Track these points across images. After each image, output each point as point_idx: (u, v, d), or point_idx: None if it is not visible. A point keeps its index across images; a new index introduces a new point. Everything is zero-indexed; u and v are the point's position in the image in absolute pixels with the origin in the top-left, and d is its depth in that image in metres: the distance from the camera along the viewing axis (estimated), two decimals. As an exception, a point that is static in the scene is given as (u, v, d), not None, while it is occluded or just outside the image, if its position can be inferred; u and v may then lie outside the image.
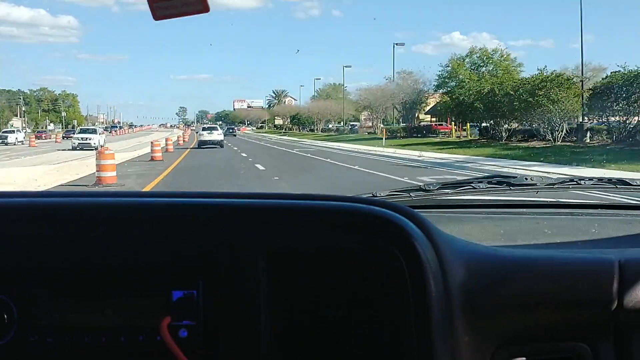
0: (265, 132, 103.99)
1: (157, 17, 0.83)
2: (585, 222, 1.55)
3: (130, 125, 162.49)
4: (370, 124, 63.69)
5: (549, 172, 13.98)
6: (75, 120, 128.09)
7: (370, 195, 1.49)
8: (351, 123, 75.40)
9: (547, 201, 1.74)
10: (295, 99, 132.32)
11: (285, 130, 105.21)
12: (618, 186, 1.57)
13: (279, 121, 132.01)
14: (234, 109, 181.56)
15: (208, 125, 42.86)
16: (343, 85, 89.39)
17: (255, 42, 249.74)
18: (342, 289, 0.85)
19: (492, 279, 0.90)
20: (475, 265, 0.91)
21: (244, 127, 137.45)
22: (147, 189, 12.78)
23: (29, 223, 0.86)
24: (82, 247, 0.85)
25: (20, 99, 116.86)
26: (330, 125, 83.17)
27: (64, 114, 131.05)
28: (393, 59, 63.70)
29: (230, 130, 72.90)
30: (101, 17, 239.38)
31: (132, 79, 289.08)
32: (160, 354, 0.81)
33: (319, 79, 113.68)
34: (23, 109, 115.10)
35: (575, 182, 1.58)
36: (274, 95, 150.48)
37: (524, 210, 1.64)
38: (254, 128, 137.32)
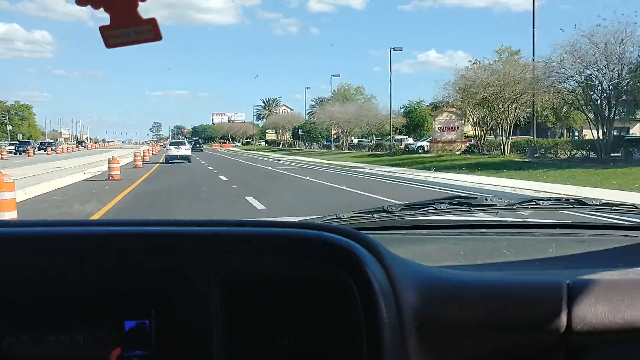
0: (256, 150, 79.71)
1: (109, 45, 0.83)
2: (543, 242, 1.58)
3: (94, 141, 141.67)
4: (457, 138, 38.55)
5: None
6: (30, 135, 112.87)
7: (334, 217, 1.50)
8: (398, 137, 51.66)
9: (507, 221, 1.76)
10: (291, 108, 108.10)
11: (283, 145, 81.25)
12: (575, 206, 1.63)
13: (271, 135, 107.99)
14: (213, 123, 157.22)
15: (175, 141, 43.84)
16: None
17: (233, 58, 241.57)
18: (295, 316, 0.84)
19: (443, 303, 0.90)
20: (428, 289, 0.90)
21: (226, 143, 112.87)
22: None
23: None
24: (29, 278, 0.83)
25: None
26: (354, 140, 59.16)
27: (9, 127, 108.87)
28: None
29: (197, 146, 74.74)
30: (76, 32, 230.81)
31: (107, 95, 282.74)
32: None
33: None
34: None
35: (534, 203, 1.63)
36: (263, 104, 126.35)
37: (485, 230, 1.67)
38: (238, 144, 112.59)
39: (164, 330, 0.82)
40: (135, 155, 31.42)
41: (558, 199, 1.70)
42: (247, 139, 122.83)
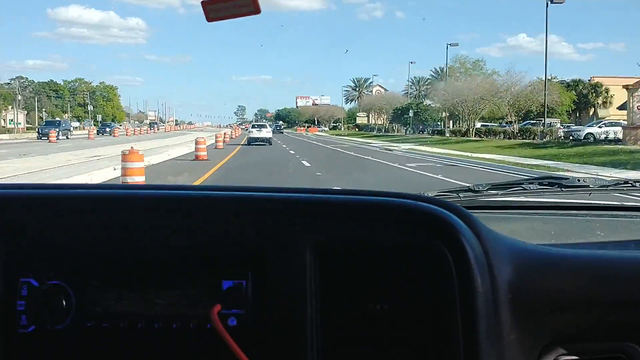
0: (348, 135, 69.38)
1: (210, 18, 0.85)
2: (639, 224, 1.52)
3: (176, 123, 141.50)
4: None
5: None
6: (114, 116, 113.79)
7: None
8: (553, 121, 39.50)
9: (600, 203, 1.66)
10: (386, 89, 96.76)
11: (379, 130, 70.54)
12: None
13: (362, 119, 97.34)
14: (297, 106, 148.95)
15: (258, 123, 44.60)
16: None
17: (318, 43, 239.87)
18: (388, 283, 0.85)
19: (540, 277, 0.89)
20: (523, 263, 0.89)
21: (313, 127, 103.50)
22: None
23: (86, 213, 0.89)
24: (136, 238, 0.87)
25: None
26: (478, 125, 47.35)
27: (90, 107, 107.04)
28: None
29: (278, 128, 77.16)
30: (168, 19, 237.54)
31: (195, 79, 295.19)
32: (210, 341, 0.83)
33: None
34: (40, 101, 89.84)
35: (630, 185, 1.54)
36: (353, 85, 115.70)
37: (576, 212, 1.60)
38: (325, 128, 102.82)
39: (260, 292, 0.84)
40: (216, 137, 30.72)
41: None
42: (334, 122, 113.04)
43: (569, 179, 1.55)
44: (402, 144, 38.20)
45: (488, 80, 44.76)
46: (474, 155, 24.66)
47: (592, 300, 0.89)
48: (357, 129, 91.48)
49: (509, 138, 38.10)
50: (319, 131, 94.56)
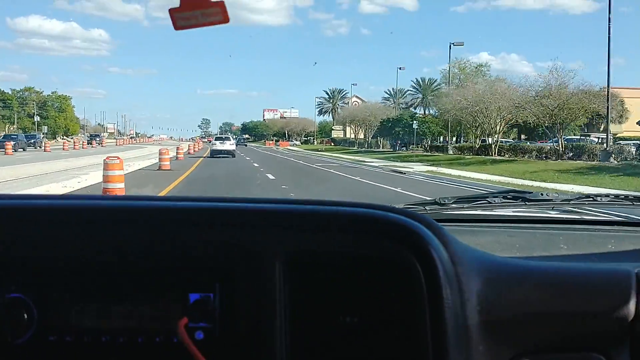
0: (326, 150, 60.58)
1: (177, 27, 0.84)
2: (601, 237, 1.53)
3: (134, 136, 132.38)
4: None
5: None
6: (67, 128, 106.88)
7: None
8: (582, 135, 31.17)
9: (563, 217, 1.71)
10: (363, 100, 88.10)
11: (360, 145, 61.89)
12: (635, 203, 1.57)
13: (338, 133, 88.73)
14: (264, 119, 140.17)
15: (220, 136, 43.89)
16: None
17: (285, 58, 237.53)
18: (358, 295, 0.84)
19: (507, 288, 0.90)
20: (492, 274, 0.90)
21: (283, 141, 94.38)
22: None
23: (49, 225, 0.87)
24: (101, 250, 0.85)
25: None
26: (488, 139, 38.90)
27: (37, 118, 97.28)
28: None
29: (241, 141, 79.52)
30: (132, 31, 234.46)
31: (160, 93, 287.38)
32: (176, 356, 0.81)
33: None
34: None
35: (591, 199, 1.57)
36: (328, 96, 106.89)
37: (539, 225, 1.63)
38: (297, 142, 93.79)
39: (228, 305, 0.82)
40: (160, 154, 23.88)
41: (617, 195, 1.64)
42: (305, 136, 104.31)
43: (532, 193, 1.59)
44: (409, 164, 29.54)
45: (505, 84, 36.09)
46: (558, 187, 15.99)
47: (558, 312, 0.90)
48: (331, 144, 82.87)
49: (546, 157, 29.83)
50: (290, 145, 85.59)
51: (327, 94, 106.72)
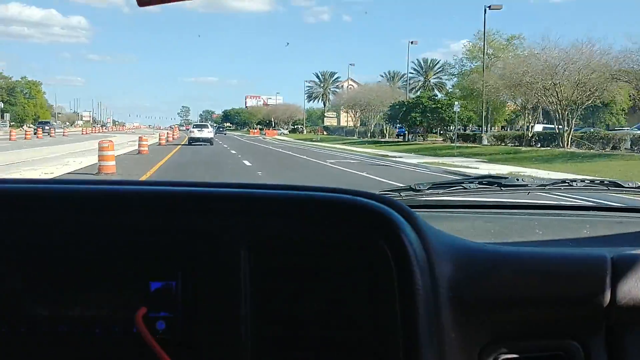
0: (321, 140, 51.91)
1: (141, 3, 0.80)
2: (576, 222, 1.54)
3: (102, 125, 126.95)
4: None
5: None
6: (37, 116, 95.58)
7: None
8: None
9: (538, 203, 1.69)
10: (358, 83, 79.30)
11: (371, 134, 53.40)
12: (610, 188, 1.57)
13: (330, 120, 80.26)
14: (246, 106, 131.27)
15: (199, 123, 45.94)
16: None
17: (266, 44, 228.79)
18: (326, 281, 0.82)
19: (480, 274, 0.88)
20: (464, 260, 0.88)
21: (270, 129, 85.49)
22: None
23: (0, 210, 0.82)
24: (56, 236, 0.82)
25: None
26: (537, 126, 30.60)
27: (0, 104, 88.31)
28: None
29: (220, 130, 79.24)
30: (111, 18, 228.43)
31: (139, 80, 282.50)
32: (135, 346, 0.78)
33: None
34: None
35: (567, 184, 1.57)
36: (318, 80, 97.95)
37: (515, 211, 1.63)
38: (285, 131, 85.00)
39: (191, 293, 0.80)
40: (102, 149, 15.57)
41: (592, 181, 1.64)
42: (292, 124, 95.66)
43: (507, 178, 1.56)
44: (457, 161, 21.24)
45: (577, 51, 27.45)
46: None
47: (533, 298, 0.88)
48: (324, 132, 74.41)
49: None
50: (278, 134, 76.88)
51: (318, 77, 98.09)
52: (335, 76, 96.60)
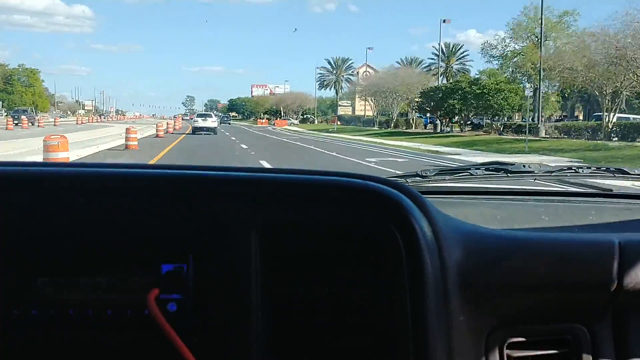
0: (351, 133, 46.48)
1: None
2: (583, 209, 1.55)
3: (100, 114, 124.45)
4: None
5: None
6: (36, 105, 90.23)
7: None
8: None
9: (544, 189, 1.72)
10: (375, 69, 73.30)
11: (381, 125, 47.69)
12: (616, 175, 1.59)
13: (345, 109, 74.58)
14: (252, 95, 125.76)
15: (202, 113, 45.54)
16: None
17: (271, 35, 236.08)
18: (336, 264, 0.83)
19: (489, 258, 0.88)
20: (473, 244, 0.89)
21: (280, 119, 79.87)
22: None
23: (11, 191, 0.82)
24: (67, 219, 0.82)
25: None
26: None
27: None
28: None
29: (226, 119, 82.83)
30: (116, 7, 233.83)
31: (144, 70, 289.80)
32: (148, 328, 0.79)
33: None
34: None
35: (573, 171, 1.59)
36: (331, 67, 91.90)
37: (522, 197, 1.64)
38: (295, 121, 79.38)
39: (202, 276, 0.80)
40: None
41: (598, 167, 1.64)
42: (302, 114, 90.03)
43: (514, 164, 1.57)
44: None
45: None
46: None
47: (541, 283, 0.89)
48: (338, 122, 68.85)
49: None
50: (288, 124, 71.37)
51: (330, 63, 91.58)
52: (349, 62, 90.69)
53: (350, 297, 0.82)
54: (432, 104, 38.08)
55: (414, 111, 47.29)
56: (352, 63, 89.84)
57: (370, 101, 57.67)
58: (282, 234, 0.82)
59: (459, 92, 35.17)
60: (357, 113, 72.67)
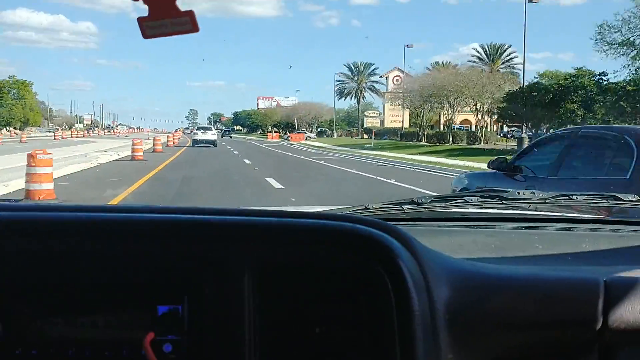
0: (433, 154, 36.12)
1: (146, 35, 0.84)
2: (576, 236, 1.57)
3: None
4: None
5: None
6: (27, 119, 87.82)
7: (363, 207, 1.50)
8: None
9: (539, 215, 1.73)
10: (407, 74, 62.62)
11: (430, 139, 36.97)
12: (610, 201, 1.61)
13: (372, 120, 63.99)
14: (258, 107, 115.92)
15: (203, 126, 47.09)
16: None
17: (274, 49, 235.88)
18: (327, 306, 0.86)
19: (476, 297, 0.90)
20: (460, 283, 0.91)
21: (295, 133, 69.21)
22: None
23: (12, 237, 0.85)
24: (66, 262, 0.85)
25: None
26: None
27: None
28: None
29: (227, 133, 78.01)
30: (119, 24, 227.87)
31: (147, 85, 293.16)
32: None
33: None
34: None
35: (567, 197, 1.61)
36: (351, 72, 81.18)
37: (516, 224, 1.65)
38: (312, 135, 68.71)
39: (197, 317, 0.83)
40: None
41: (592, 194, 1.66)
42: (317, 127, 79.56)
43: (509, 192, 1.60)
44: None
45: None
46: None
47: (528, 321, 0.91)
48: (364, 136, 58.20)
49: None
50: (305, 139, 60.76)
51: (350, 69, 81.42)
52: (373, 67, 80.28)
53: (341, 337, 0.84)
54: (524, 109, 27.12)
55: (496, 119, 36.11)
56: (376, 69, 79.45)
57: (410, 109, 46.77)
58: (275, 275, 0.84)
59: (578, 92, 24.32)
60: (387, 125, 62.06)
